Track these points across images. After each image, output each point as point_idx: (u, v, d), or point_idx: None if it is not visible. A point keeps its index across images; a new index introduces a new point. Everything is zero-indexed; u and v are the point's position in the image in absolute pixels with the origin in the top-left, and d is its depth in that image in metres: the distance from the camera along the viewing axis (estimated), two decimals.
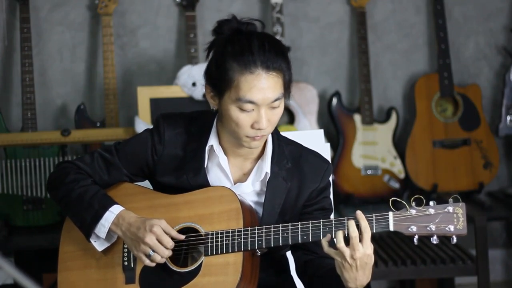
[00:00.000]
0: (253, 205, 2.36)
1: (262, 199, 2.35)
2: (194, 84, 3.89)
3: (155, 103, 3.87)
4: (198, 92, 3.86)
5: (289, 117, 4.14)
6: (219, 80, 2.23)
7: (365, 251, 2.14)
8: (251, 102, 2.20)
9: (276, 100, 2.22)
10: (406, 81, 4.38)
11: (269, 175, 2.33)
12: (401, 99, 4.38)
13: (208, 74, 2.28)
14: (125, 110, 4.16)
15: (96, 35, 4.16)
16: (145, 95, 3.88)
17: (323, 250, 2.18)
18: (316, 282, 2.34)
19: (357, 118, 4.19)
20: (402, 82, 4.38)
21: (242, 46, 2.21)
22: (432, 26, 4.33)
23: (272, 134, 2.36)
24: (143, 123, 3.77)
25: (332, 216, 2.71)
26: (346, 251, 2.14)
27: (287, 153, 2.36)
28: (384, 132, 4.21)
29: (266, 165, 2.33)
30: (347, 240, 2.16)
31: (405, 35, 4.38)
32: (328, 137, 4.19)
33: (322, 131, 2.85)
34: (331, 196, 2.56)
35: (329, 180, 2.40)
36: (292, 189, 2.35)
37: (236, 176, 2.37)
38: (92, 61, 4.17)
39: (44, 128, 4.08)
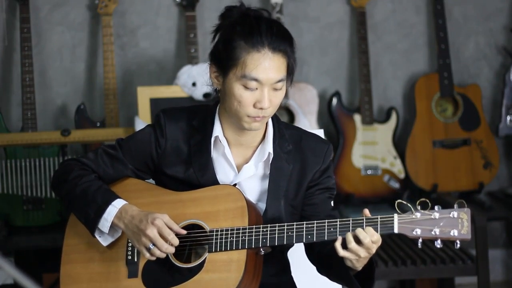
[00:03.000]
0: (257, 192, 2.38)
1: (266, 185, 2.36)
2: (194, 84, 3.89)
3: (155, 103, 3.87)
4: (198, 92, 3.86)
5: (289, 117, 4.14)
6: (226, 58, 2.27)
7: (375, 245, 2.18)
8: (255, 79, 2.24)
9: (279, 81, 2.27)
10: (406, 81, 4.38)
11: (272, 155, 2.35)
12: (401, 99, 4.38)
13: (213, 54, 2.33)
14: (125, 110, 4.16)
15: (96, 35, 4.16)
16: (145, 95, 3.88)
17: (338, 254, 2.19)
18: (325, 261, 2.37)
19: (357, 118, 4.20)
20: (402, 82, 4.38)
21: (251, 27, 2.26)
22: (432, 26, 4.33)
23: (272, 118, 2.40)
24: (143, 123, 3.77)
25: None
26: (360, 250, 2.17)
27: (288, 137, 2.40)
28: (384, 132, 4.22)
29: (268, 146, 2.36)
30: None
31: (405, 35, 4.38)
32: (328, 137, 4.19)
33: (322, 131, 2.86)
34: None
35: (330, 161, 2.43)
36: (295, 172, 2.38)
37: (240, 165, 2.39)
38: (92, 61, 4.17)
39: (44, 128, 4.08)
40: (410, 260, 3.63)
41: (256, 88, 2.25)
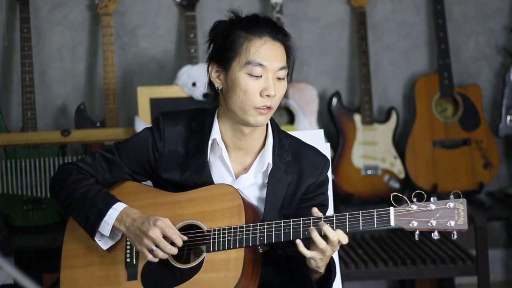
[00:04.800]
0: (254, 201, 2.38)
1: (264, 194, 2.36)
2: (194, 84, 3.89)
3: (155, 103, 3.87)
4: (198, 92, 3.87)
5: (289, 117, 4.14)
6: (226, 51, 2.29)
7: (345, 241, 2.21)
8: (260, 64, 2.26)
9: (282, 68, 2.29)
10: (406, 81, 4.38)
11: (271, 166, 2.35)
12: (401, 99, 4.38)
13: (212, 54, 2.34)
14: (125, 110, 4.16)
15: (96, 35, 4.16)
16: (145, 95, 3.88)
17: (306, 255, 2.21)
18: (284, 262, 2.40)
19: (357, 118, 4.19)
20: (402, 82, 4.38)
21: (249, 20, 2.31)
22: (432, 26, 4.33)
23: (273, 127, 2.40)
24: (143, 123, 3.77)
25: (331, 210, 2.73)
26: (327, 248, 2.19)
27: (287, 147, 2.40)
28: (384, 132, 4.21)
29: (268, 156, 2.36)
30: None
31: (405, 35, 4.38)
32: (328, 137, 4.19)
33: (322, 131, 2.85)
34: (331, 196, 2.57)
35: (327, 176, 2.43)
36: (292, 182, 2.37)
37: (238, 170, 2.39)
38: (92, 61, 4.17)
39: (44, 128, 4.07)
40: (410, 260, 3.63)
41: (261, 76, 2.26)
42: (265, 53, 2.26)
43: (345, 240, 2.20)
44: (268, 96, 2.26)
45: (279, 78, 2.29)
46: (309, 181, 2.38)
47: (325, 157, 2.43)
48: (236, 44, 2.27)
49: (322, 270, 2.28)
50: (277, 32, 2.29)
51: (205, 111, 2.42)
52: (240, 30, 2.28)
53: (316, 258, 2.22)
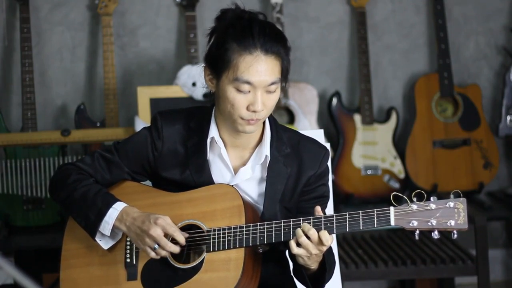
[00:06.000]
0: (255, 195, 2.38)
1: (263, 188, 2.36)
2: (194, 84, 3.89)
3: (155, 103, 3.87)
4: (198, 92, 3.87)
5: (289, 117, 4.14)
6: (218, 60, 2.26)
7: (327, 243, 2.20)
8: (248, 82, 2.23)
9: (272, 83, 2.26)
10: (406, 81, 4.38)
11: (269, 158, 2.35)
12: (401, 99, 4.38)
13: (207, 57, 2.32)
14: (125, 110, 4.17)
15: (96, 35, 4.16)
16: (145, 95, 3.88)
17: (292, 252, 2.21)
18: (285, 259, 2.44)
19: (357, 118, 4.20)
20: (402, 82, 4.38)
21: (243, 29, 2.25)
22: (432, 26, 4.33)
23: (270, 121, 2.40)
24: (143, 123, 3.77)
25: (331, 210, 2.72)
26: (309, 245, 2.19)
27: (286, 139, 2.40)
28: (384, 132, 4.22)
29: (265, 149, 2.36)
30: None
31: (405, 35, 4.38)
32: (328, 137, 4.19)
33: (322, 131, 2.86)
34: (331, 196, 2.57)
35: (327, 166, 2.43)
36: (292, 175, 2.37)
37: (236, 166, 2.39)
38: (92, 61, 4.17)
39: (44, 128, 4.08)
40: (410, 260, 3.63)
41: (249, 91, 2.24)
42: (255, 70, 2.22)
43: (327, 242, 2.19)
44: (254, 111, 2.25)
45: (269, 91, 2.27)
46: (309, 173, 2.38)
47: (324, 147, 2.43)
48: (227, 57, 2.24)
49: (313, 267, 2.28)
50: (272, 44, 2.24)
51: (203, 109, 2.42)
52: (233, 41, 2.24)
53: (303, 256, 2.22)
